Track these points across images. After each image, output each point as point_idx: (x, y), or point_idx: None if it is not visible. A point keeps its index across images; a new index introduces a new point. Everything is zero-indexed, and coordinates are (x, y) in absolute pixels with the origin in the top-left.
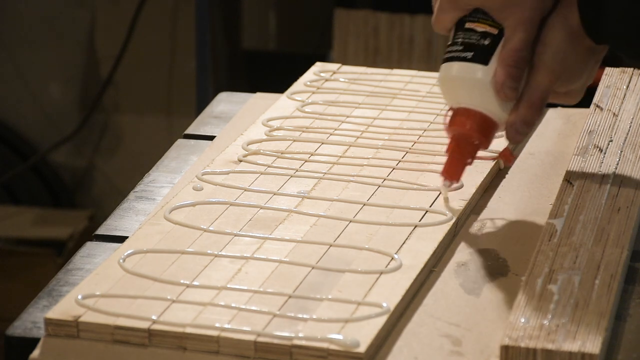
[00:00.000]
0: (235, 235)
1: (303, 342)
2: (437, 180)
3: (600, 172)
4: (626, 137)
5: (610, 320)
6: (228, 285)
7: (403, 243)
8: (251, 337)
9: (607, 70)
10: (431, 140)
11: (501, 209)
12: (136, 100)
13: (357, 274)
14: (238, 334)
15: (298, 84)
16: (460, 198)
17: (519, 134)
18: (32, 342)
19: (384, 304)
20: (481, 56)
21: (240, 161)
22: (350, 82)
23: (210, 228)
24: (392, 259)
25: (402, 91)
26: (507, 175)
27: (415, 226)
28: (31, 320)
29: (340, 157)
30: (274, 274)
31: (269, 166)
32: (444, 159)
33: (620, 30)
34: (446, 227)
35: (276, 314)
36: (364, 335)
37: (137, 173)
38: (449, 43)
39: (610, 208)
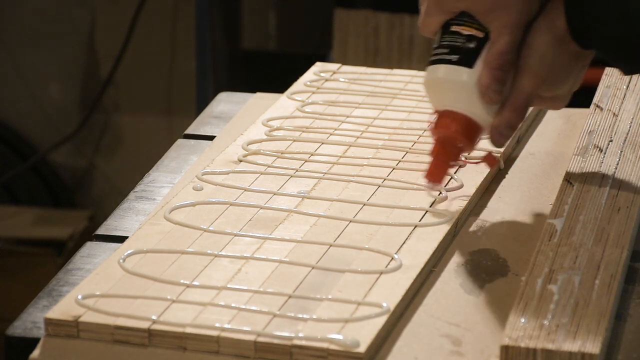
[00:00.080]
0: (235, 235)
1: (303, 342)
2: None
3: (600, 172)
4: (626, 137)
5: (610, 320)
6: (228, 285)
7: (403, 243)
8: (251, 337)
9: (607, 70)
10: (431, 140)
11: (501, 209)
12: (136, 100)
13: (357, 274)
14: (238, 334)
15: (298, 84)
16: (460, 198)
17: (503, 137)
18: (32, 342)
19: (384, 304)
20: (467, 59)
21: (240, 161)
22: (350, 82)
23: (210, 228)
24: (392, 259)
25: (402, 91)
26: (507, 175)
27: (415, 226)
28: (31, 320)
29: (340, 157)
30: (274, 274)
31: (269, 166)
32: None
33: (606, 35)
34: (446, 227)
35: (276, 314)
36: (364, 335)
37: (137, 173)
38: (435, 46)
39: (610, 208)
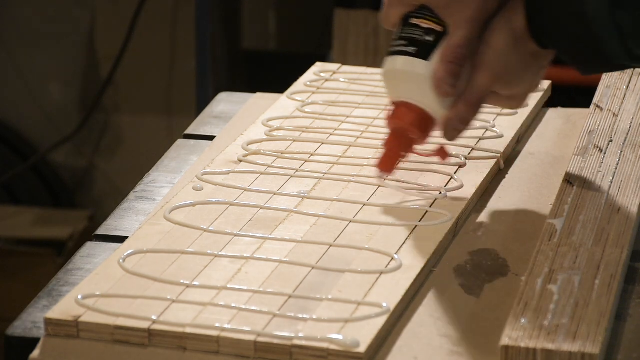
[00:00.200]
0: (235, 236)
1: (303, 342)
2: (438, 181)
3: (600, 172)
4: (626, 137)
5: (610, 320)
6: (228, 285)
7: (403, 243)
8: (251, 337)
9: None
10: (431, 140)
11: (501, 209)
12: (136, 100)
13: (357, 274)
14: (238, 334)
15: (298, 84)
16: (460, 198)
17: (456, 131)
18: (32, 342)
19: (384, 304)
20: (424, 52)
21: (240, 161)
22: (350, 82)
23: (210, 228)
24: (392, 259)
25: None
26: (507, 175)
27: (416, 226)
28: (31, 320)
29: (340, 157)
30: (274, 274)
31: (269, 166)
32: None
33: (563, 35)
34: (446, 227)
35: (276, 314)
36: (364, 335)
37: (137, 173)
38: (394, 38)
39: (610, 208)
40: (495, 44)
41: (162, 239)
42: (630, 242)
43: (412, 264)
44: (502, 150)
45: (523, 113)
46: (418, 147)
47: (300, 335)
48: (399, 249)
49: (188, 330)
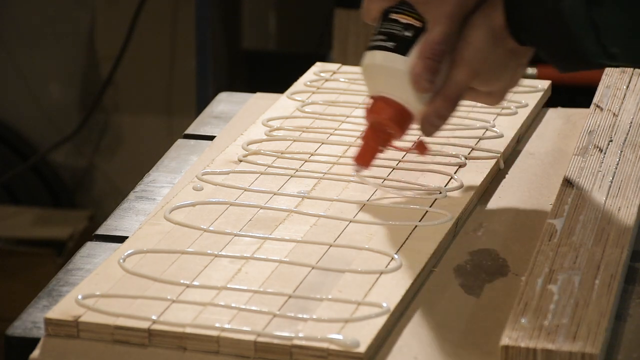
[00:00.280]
0: (235, 235)
1: (303, 342)
2: (438, 181)
3: (600, 172)
4: (626, 137)
5: (610, 320)
6: (228, 285)
7: (403, 243)
8: (251, 337)
9: (607, 70)
10: (431, 140)
11: (501, 209)
12: (136, 100)
13: (357, 274)
14: (238, 334)
15: (298, 84)
16: (460, 198)
17: (433, 127)
18: (32, 342)
19: (384, 304)
20: (402, 47)
21: (240, 161)
22: (350, 82)
23: (210, 228)
24: (392, 259)
25: None
26: (507, 175)
27: (416, 226)
28: (31, 320)
29: (340, 157)
30: (274, 274)
31: (269, 166)
32: (444, 159)
33: (541, 32)
34: (446, 227)
35: (276, 314)
36: (364, 335)
37: (137, 173)
38: (374, 32)
39: (610, 208)
40: (474, 40)
41: (162, 239)
42: (630, 242)
43: (412, 264)
44: (502, 150)
45: (523, 113)
46: (397, 142)
47: (300, 335)
48: (399, 249)
49: (188, 330)
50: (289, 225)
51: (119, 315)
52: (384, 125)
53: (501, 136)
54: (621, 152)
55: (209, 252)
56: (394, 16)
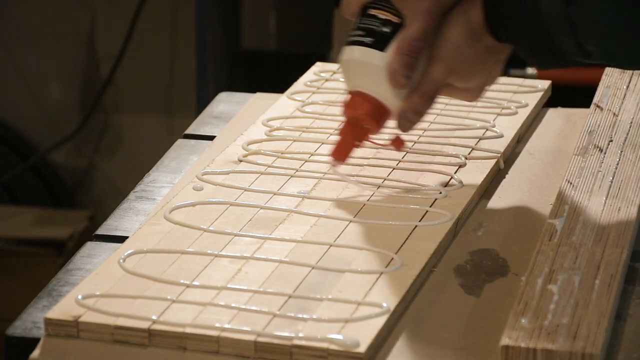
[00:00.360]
0: (235, 235)
1: (303, 342)
2: (438, 181)
3: (600, 172)
4: (626, 137)
5: (610, 320)
6: (228, 285)
7: (403, 243)
8: (251, 337)
9: (607, 70)
10: (431, 140)
11: (501, 209)
12: (136, 100)
13: (357, 274)
14: (238, 334)
15: (298, 84)
16: (460, 198)
17: (409, 122)
18: (32, 342)
19: (384, 304)
20: (380, 43)
21: (241, 161)
22: None
23: (210, 228)
24: (392, 259)
25: None
26: (507, 175)
27: (416, 226)
28: (31, 320)
29: None
30: (274, 274)
31: (269, 166)
32: (444, 159)
33: (519, 30)
34: (446, 227)
35: (276, 314)
36: (364, 335)
37: (137, 173)
38: (353, 27)
39: (610, 208)
40: (451, 37)
41: (162, 239)
42: (630, 242)
43: (412, 264)
44: (502, 150)
45: (523, 113)
46: (374, 137)
47: (300, 335)
48: (399, 249)
49: (188, 330)
50: (289, 225)
51: (119, 315)
52: (361, 120)
53: (501, 136)
54: (621, 152)
55: (209, 252)
56: (372, 12)
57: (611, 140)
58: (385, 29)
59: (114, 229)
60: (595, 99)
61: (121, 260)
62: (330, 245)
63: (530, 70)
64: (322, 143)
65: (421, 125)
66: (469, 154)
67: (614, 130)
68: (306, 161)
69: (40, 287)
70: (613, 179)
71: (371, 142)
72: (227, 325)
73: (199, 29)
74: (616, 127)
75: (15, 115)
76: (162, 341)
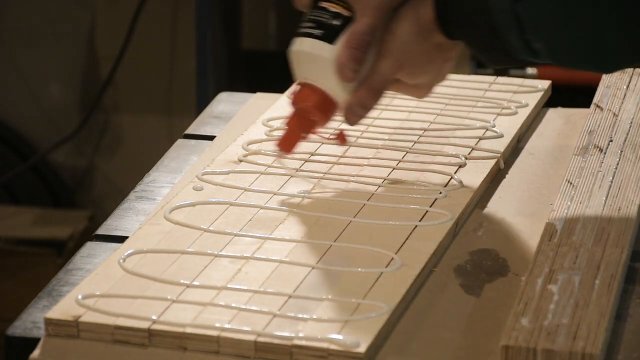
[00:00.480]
0: (235, 235)
1: (303, 342)
2: (438, 181)
3: (600, 172)
4: (626, 137)
5: (610, 320)
6: (228, 285)
7: (403, 243)
8: (251, 337)
9: None
10: (431, 140)
11: (501, 209)
12: (136, 100)
13: (357, 274)
14: (238, 334)
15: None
16: (460, 198)
17: (356, 116)
18: (32, 342)
19: (384, 304)
20: (329, 35)
21: (241, 161)
22: None
23: (210, 228)
24: (392, 259)
25: None
26: (507, 175)
27: (416, 226)
28: (31, 320)
29: (340, 157)
30: (274, 274)
31: (269, 166)
32: (444, 159)
33: (469, 26)
34: (446, 227)
35: (276, 314)
36: (364, 335)
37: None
38: (304, 19)
39: (610, 208)
40: (400, 32)
41: (162, 239)
42: (630, 242)
43: (412, 264)
44: (502, 150)
45: (523, 113)
46: (319, 130)
47: (300, 335)
48: (399, 249)
49: (188, 330)
50: (289, 225)
51: (119, 315)
52: (308, 112)
53: (501, 136)
54: (621, 152)
55: (209, 252)
56: (323, 4)
57: (611, 140)
58: (335, 22)
59: (114, 229)
60: (595, 99)
61: (121, 260)
62: (331, 245)
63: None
64: (322, 143)
65: (421, 125)
66: (469, 154)
67: (614, 130)
68: (306, 161)
69: (40, 287)
70: (613, 179)
71: (317, 134)
72: (227, 325)
73: (199, 29)
74: (616, 127)
75: (15, 115)
76: (162, 341)
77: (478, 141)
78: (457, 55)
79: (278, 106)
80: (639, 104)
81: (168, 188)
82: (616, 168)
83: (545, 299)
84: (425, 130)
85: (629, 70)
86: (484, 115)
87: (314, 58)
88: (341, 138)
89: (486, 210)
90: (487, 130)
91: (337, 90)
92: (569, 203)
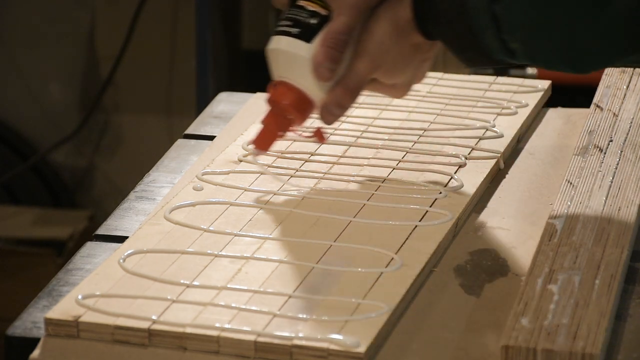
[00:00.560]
0: (235, 235)
1: (303, 342)
2: (438, 181)
3: (600, 172)
4: (626, 137)
5: (610, 320)
6: (228, 285)
7: (403, 243)
8: (251, 337)
9: (607, 70)
10: (431, 140)
11: (501, 209)
12: (136, 100)
13: (357, 274)
14: (238, 334)
15: None
16: (460, 198)
17: (332, 116)
18: (32, 342)
19: (384, 304)
20: (306, 34)
21: (241, 161)
22: None
23: (210, 228)
24: (392, 259)
25: None
26: (507, 175)
27: (416, 226)
28: (31, 320)
29: (340, 157)
30: (274, 274)
31: (269, 166)
32: (444, 159)
33: (446, 26)
34: (446, 227)
35: (276, 314)
36: (364, 335)
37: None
38: (281, 17)
39: (610, 208)
40: (377, 32)
41: (162, 239)
42: (630, 242)
43: (412, 264)
44: (502, 150)
45: (523, 113)
46: (296, 128)
47: (300, 335)
48: (399, 249)
49: (188, 330)
50: (289, 225)
51: (119, 315)
52: (285, 110)
53: (501, 136)
54: (621, 152)
55: (209, 252)
56: (301, 3)
57: (611, 140)
58: (312, 21)
59: (114, 229)
60: (595, 99)
61: (121, 260)
62: (331, 245)
63: (530, 70)
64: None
65: (421, 125)
66: (469, 154)
67: (614, 130)
68: (306, 161)
69: (40, 287)
70: (613, 179)
71: (294, 132)
72: (227, 325)
73: (199, 29)
74: (616, 127)
75: (15, 115)
76: (162, 341)
77: (478, 141)
78: (434, 56)
79: None
80: (639, 104)
81: (168, 188)
82: (616, 168)
83: (545, 299)
84: (425, 130)
85: (629, 70)
86: (484, 115)
87: (291, 56)
88: (319, 136)
89: (486, 210)
90: (487, 130)
91: (313, 89)
92: (569, 203)
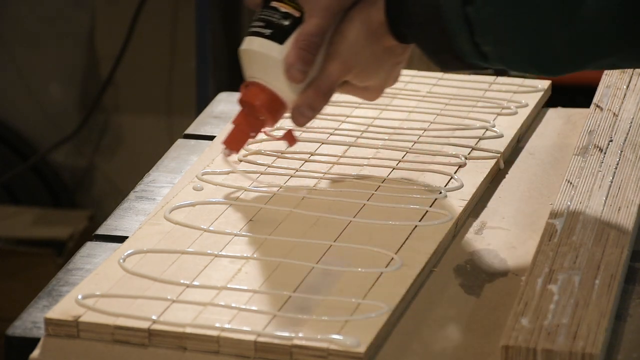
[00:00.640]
0: (235, 235)
1: (303, 342)
2: (438, 181)
3: (600, 172)
4: (626, 137)
5: (610, 320)
6: (228, 285)
7: (403, 243)
8: (251, 337)
9: (607, 70)
10: (431, 140)
11: (501, 209)
12: (136, 100)
13: (357, 274)
14: (238, 334)
15: None
16: (460, 198)
17: (304, 117)
18: (32, 342)
19: (384, 304)
20: (278, 35)
21: (241, 161)
22: None
23: (210, 228)
24: (392, 259)
25: (402, 91)
26: (507, 175)
27: (416, 226)
28: (31, 320)
29: (340, 157)
30: (274, 274)
31: (269, 166)
32: (444, 159)
33: (419, 29)
34: (446, 227)
35: (276, 314)
36: (364, 335)
37: (137, 173)
38: (254, 18)
39: (610, 208)
40: (349, 35)
41: (162, 239)
42: (630, 242)
43: (412, 264)
44: (502, 150)
45: (523, 113)
46: (267, 129)
47: (300, 335)
48: (399, 249)
49: (188, 330)
50: (289, 225)
51: (119, 315)
52: (256, 111)
53: (501, 136)
54: (621, 152)
55: (209, 252)
56: (274, 4)
57: (611, 140)
58: (285, 22)
59: (114, 229)
60: (595, 99)
61: (121, 260)
62: (330, 245)
63: None
64: (322, 143)
65: (421, 125)
66: (469, 154)
67: (614, 130)
68: (306, 161)
69: (40, 287)
70: (613, 179)
71: (265, 133)
72: (227, 325)
73: (199, 29)
74: (616, 127)
75: (15, 115)
76: (162, 341)
77: (478, 141)
78: (407, 59)
79: None
80: (639, 104)
81: (168, 188)
82: (616, 168)
83: (545, 299)
84: (425, 130)
85: (629, 70)
86: (484, 115)
87: (263, 57)
88: (289, 138)
89: (486, 210)
90: (487, 130)
91: (285, 90)
92: (569, 203)
